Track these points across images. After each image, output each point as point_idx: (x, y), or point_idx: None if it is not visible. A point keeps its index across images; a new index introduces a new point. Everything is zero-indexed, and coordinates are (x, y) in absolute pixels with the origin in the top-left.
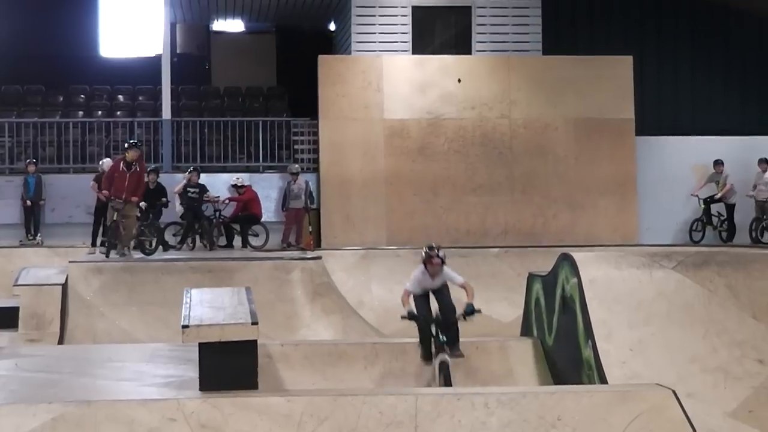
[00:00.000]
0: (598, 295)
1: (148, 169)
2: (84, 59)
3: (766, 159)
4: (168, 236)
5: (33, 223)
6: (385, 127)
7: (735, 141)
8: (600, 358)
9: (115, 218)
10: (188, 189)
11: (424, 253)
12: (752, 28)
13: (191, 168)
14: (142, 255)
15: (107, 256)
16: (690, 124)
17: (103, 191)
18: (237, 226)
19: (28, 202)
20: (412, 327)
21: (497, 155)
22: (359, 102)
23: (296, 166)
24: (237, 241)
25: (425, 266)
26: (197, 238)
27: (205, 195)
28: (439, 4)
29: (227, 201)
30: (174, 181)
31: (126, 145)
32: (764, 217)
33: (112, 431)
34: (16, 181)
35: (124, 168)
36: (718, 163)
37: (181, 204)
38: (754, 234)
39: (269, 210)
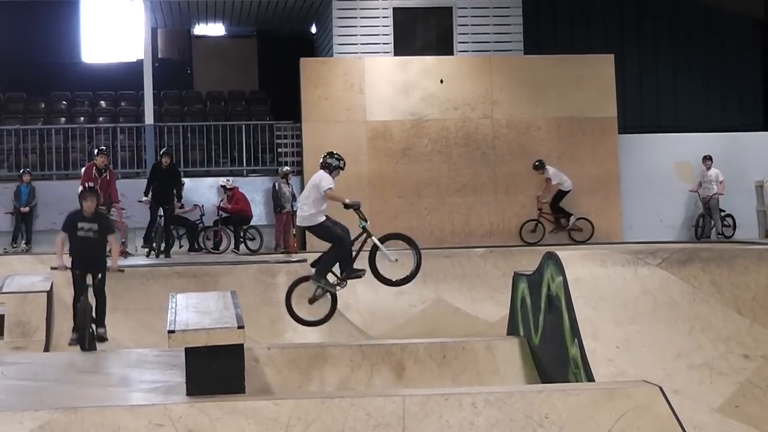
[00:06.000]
0: (583, 294)
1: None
2: (65, 65)
3: (710, 156)
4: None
5: (25, 231)
6: (368, 129)
7: (717, 138)
8: (586, 356)
9: None
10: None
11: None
12: (732, 25)
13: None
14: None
15: None
16: (672, 121)
17: None
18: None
19: (23, 209)
20: (399, 328)
21: (480, 155)
22: (342, 104)
23: (287, 168)
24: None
25: None
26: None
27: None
28: (421, 6)
29: (219, 209)
30: None
31: (96, 151)
32: (710, 213)
33: None
34: None
35: (96, 174)
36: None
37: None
38: (699, 231)
39: (254, 213)
